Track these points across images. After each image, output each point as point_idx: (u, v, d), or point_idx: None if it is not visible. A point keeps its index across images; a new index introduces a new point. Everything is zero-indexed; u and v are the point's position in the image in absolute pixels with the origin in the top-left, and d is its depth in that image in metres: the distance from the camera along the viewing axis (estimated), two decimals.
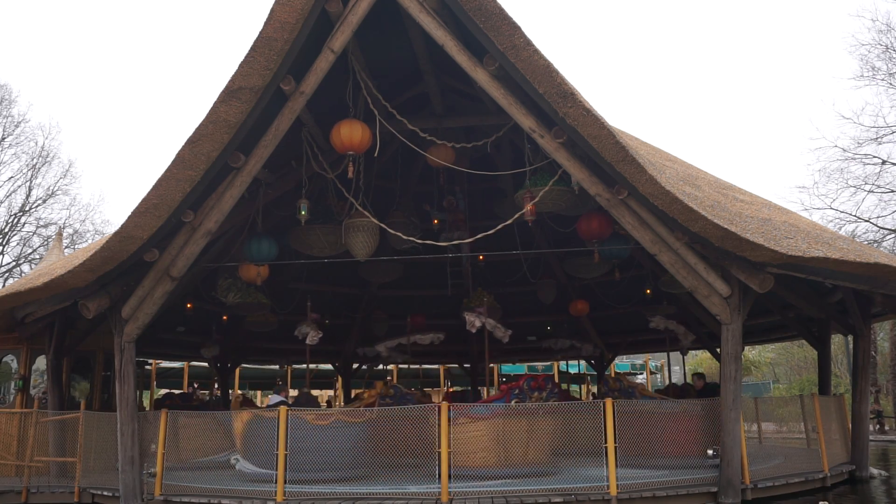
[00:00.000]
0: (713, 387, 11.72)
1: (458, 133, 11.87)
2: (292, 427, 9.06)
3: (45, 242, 32.20)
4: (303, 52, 8.43)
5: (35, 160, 33.11)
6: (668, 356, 18.02)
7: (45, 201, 33.29)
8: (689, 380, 14.34)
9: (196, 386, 22.56)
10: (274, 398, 12.01)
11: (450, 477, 8.58)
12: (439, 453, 8.65)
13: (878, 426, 24.37)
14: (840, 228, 24.94)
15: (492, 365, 24.53)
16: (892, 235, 24.91)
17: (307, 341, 13.12)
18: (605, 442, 8.76)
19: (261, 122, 8.80)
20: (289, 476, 8.89)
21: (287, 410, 9.12)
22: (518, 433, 9.39)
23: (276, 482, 8.79)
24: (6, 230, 32.26)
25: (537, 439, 9.47)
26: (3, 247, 32.28)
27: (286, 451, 8.88)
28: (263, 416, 9.79)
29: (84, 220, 36.88)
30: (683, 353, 17.56)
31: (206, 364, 19.89)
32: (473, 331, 12.58)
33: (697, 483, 9.12)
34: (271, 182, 10.66)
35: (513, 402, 9.85)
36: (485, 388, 16.80)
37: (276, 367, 24.23)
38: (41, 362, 13.35)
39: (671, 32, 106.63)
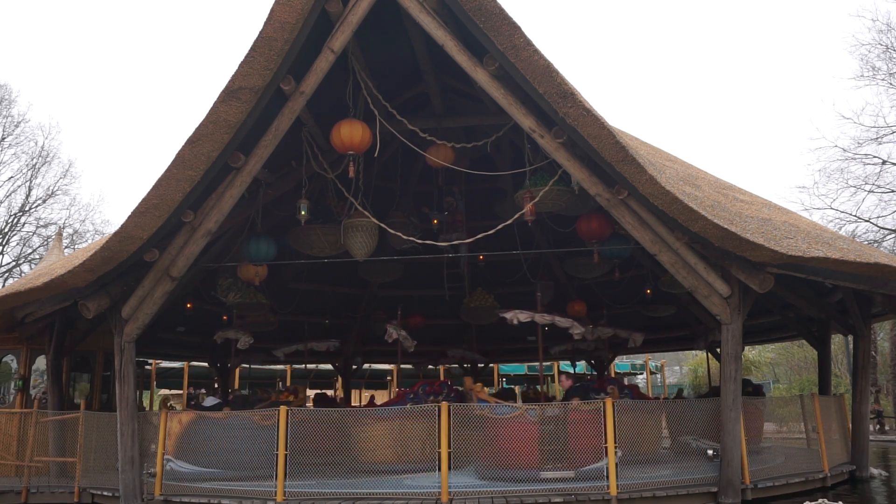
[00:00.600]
0: (582, 389, 10.95)
1: (458, 133, 11.86)
2: (240, 427, 9.56)
3: (45, 242, 32.20)
4: (303, 52, 8.43)
5: (35, 160, 33.17)
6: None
7: (44, 201, 33.33)
8: (689, 380, 14.25)
9: (194, 390, 22.57)
10: (210, 400, 12.39)
11: (447, 472, 8.61)
12: (439, 453, 8.66)
13: (878, 426, 24.37)
14: (840, 228, 24.96)
15: (491, 365, 24.57)
16: (893, 235, 24.92)
17: (238, 346, 13.46)
18: (606, 442, 8.77)
19: (261, 122, 8.80)
20: (235, 474, 9.49)
21: (287, 411, 9.12)
22: (415, 432, 9.82)
23: (275, 481, 8.81)
24: (6, 230, 32.28)
25: (434, 438, 9.73)
26: (3, 247, 32.29)
27: (284, 450, 8.90)
28: (206, 418, 10.20)
29: (84, 220, 36.88)
30: (700, 348, 17.34)
31: (205, 364, 19.89)
32: (390, 340, 13.05)
33: (697, 483, 9.12)
34: (271, 182, 10.66)
35: (408, 405, 10.37)
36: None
37: (279, 366, 24.25)
38: (41, 362, 13.35)
39: (671, 32, 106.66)
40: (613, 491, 8.60)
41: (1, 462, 11.43)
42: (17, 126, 32.47)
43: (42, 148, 33.77)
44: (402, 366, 25.89)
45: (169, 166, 8.62)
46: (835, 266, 9.28)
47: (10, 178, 32.56)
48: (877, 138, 24.81)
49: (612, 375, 25.85)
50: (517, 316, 11.26)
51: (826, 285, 11.29)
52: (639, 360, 30.77)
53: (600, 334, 12.17)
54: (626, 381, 13.63)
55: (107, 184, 67.06)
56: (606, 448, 8.73)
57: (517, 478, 9.01)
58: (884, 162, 24.80)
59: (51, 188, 33.59)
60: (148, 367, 21.10)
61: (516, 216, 10.02)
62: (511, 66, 8.40)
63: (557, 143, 8.89)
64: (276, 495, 8.75)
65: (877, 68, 24.99)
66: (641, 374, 31.55)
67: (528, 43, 8.19)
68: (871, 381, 15.84)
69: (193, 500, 9.11)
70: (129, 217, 8.80)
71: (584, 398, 9.83)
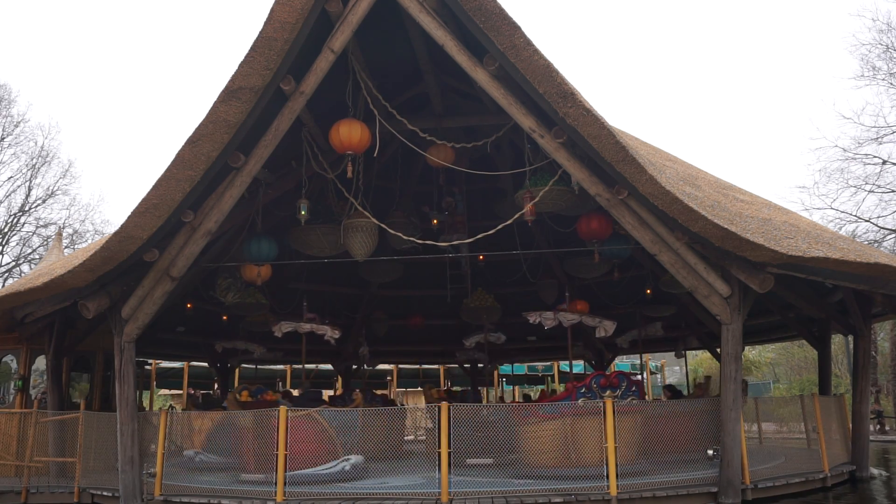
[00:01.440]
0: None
1: (458, 133, 11.87)
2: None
3: (45, 242, 32.20)
4: (303, 52, 8.43)
5: (35, 160, 33.17)
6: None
7: (44, 201, 33.33)
8: (689, 380, 14.18)
9: (194, 390, 22.57)
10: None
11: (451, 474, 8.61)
12: (439, 453, 8.65)
13: (878, 426, 24.36)
14: (840, 228, 24.98)
15: (491, 365, 24.56)
16: (893, 235, 24.92)
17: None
18: (605, 442, 8.76)
19: (261, 122, 8.80)
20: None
21: (287, 411, 9.13)
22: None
23: (275, 482, 8.81)
24: (6, 230, 32.27)
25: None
26: (3, 247, 32.28)
27: (284, 450, 8.91)
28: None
29: (84, 220, 36.91)
30: (678, 355, 17.46)
31: (205, 364, 19.90)
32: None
33: (697, 483, 9.12)
34: (271, 182, 10.66)
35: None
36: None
37: (279, 366, 24.26)
38: (41, 362, 13.34)
39: (671, 32, 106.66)
40: (613, 491, 8.59)
41: (1, 462, 11.41)
42: (16, 126, 32.50)
43: (42, 148, 33.81)
44: (402, 366, 25.99)
45: (169, 166, 8.62)
46: (835, 266, 9.28)
47: (9, 178, 32.61)
48: (877, 138, 24.84)
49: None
50: (281, 328, 11.78)
51: (826, 285, 11.29)
52: (639, 360, 30.72)
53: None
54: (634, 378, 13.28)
55: (107, 184, 67.06)
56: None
57: (247, 479, 9.61)
58: (884, 162, 24.81)
59: (51, 188, 33.64)
60: (148, 367, 21.10)
61: (516, 216, 10.02)
62: (511, 66, 8.40)
63: (557, 143, 8.89)
64: (275, 495, 8.75)
65: (877, 68, 25.04)
66: (641, 374, 31.48)
67: (528, 43, 8.19)
68: (871, 381, 15.84)
69: (193, 500, 9.10)
70: (129, 217, 8.79)
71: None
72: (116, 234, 8.92)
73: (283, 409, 9.15)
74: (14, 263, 32.35)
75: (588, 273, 14.13)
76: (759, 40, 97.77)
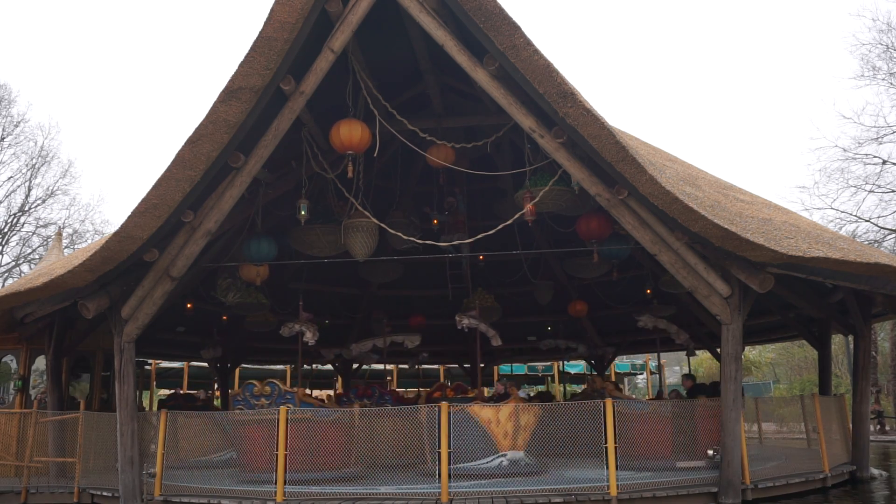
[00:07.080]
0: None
1: (458, 133, 11.86)
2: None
3: (45, 242, 32.19)
4: (303, 52, 8.43)
5: (34, 160, 33.18)
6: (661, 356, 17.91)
7: (44, 201, 33.34)
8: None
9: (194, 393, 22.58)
10: None
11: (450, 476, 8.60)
12: (439, 453, 8.65)
13: (878, 426, 24.35)
14: (840, 228, 24.97)
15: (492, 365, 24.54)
16: (893, 235, 24.92)
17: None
18: (606, 442, 8.76)
19: (261, 122, 8.80)
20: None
21: (287, 411, 9.11)
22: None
23: (275, 483, 8.80)
24: (6, 230, 32.27)
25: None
26: (3, 247, 32.28)
27: (284, 450, 8.90)
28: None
29: (84, 220, 36.93)
30: (690, 354, 17.47)
31: (205, 364, 19.89)
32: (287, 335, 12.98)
33: (698, 483, 9.12)
34: (271, 182, 10.66)
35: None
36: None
37: (279, 366, 24.23)
38: (41, 362, 13.34)
39: (671, 32, 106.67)
40: (613, 491, 8.59)
41: (1, 462, 11.41)
42: (16, 126, 32.51)
43: (42, 148, 33.82)
44: (401, 366, 25.96)
45: (169, 166, 8.62)
46: (835, 266, 9.27)
47: (9, 178, 32.62)
48: (877, 138, 24.85)
49: (612, 377, 25.89)
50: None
51: (826, 285, 11.27)
52: (639, 360, 30.75)
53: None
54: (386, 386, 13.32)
55: (107, 184, 67.11)
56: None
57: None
58: (884, 162, 24.81)
59: (50, 188, 33.65)
60: (148, 367, 21.10)
61: (516, 216, 10.02)
62: (511, 66, 8.40)
63: (557, 143, 8.89)
64: (275, 495, 8.74)
65: (877, 68, 25.05)
66: (641, 374, 31.52)
67: (528, 43, 8.19)
68: (871, 381, 15.84)
69: (193, 500, 9.10)
70: (129, 217, 8.79)
71: None
72: (116, 234, 8.92)
73: (283, 409, 9.14)
74: (14, 263, 32.36)
75: (588, 273, 14.14)
76: (759, 40, 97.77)
